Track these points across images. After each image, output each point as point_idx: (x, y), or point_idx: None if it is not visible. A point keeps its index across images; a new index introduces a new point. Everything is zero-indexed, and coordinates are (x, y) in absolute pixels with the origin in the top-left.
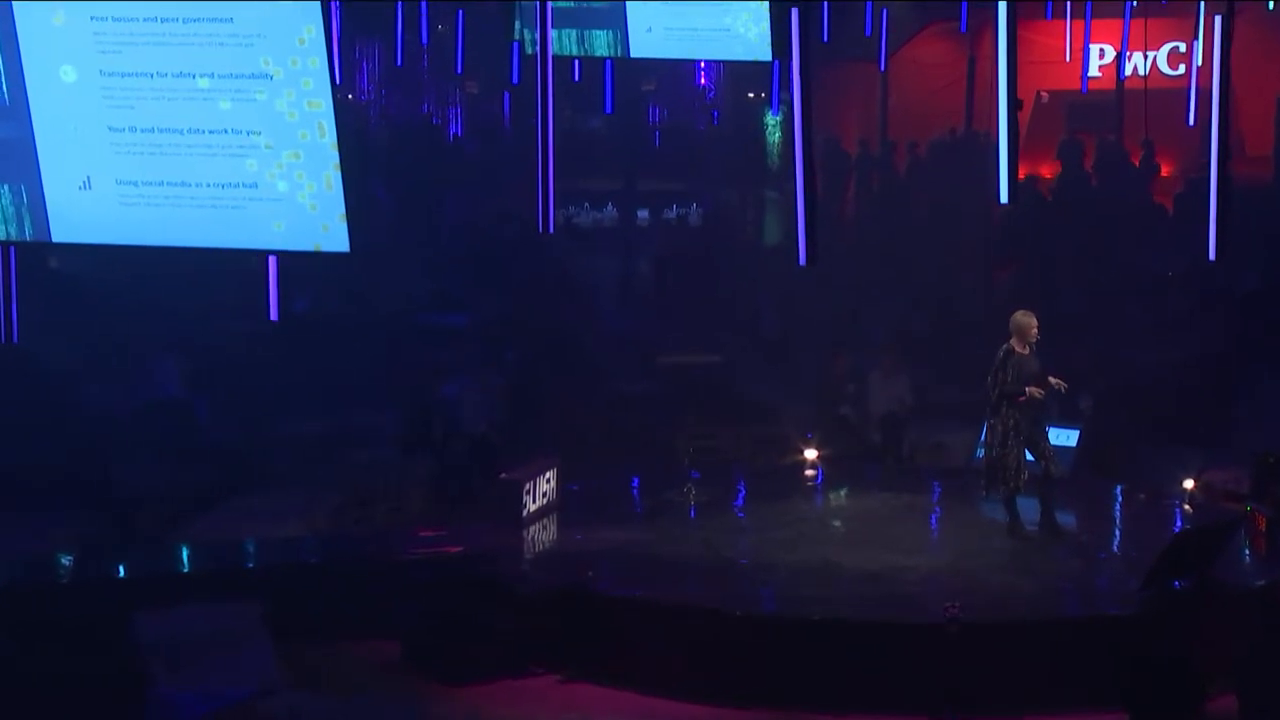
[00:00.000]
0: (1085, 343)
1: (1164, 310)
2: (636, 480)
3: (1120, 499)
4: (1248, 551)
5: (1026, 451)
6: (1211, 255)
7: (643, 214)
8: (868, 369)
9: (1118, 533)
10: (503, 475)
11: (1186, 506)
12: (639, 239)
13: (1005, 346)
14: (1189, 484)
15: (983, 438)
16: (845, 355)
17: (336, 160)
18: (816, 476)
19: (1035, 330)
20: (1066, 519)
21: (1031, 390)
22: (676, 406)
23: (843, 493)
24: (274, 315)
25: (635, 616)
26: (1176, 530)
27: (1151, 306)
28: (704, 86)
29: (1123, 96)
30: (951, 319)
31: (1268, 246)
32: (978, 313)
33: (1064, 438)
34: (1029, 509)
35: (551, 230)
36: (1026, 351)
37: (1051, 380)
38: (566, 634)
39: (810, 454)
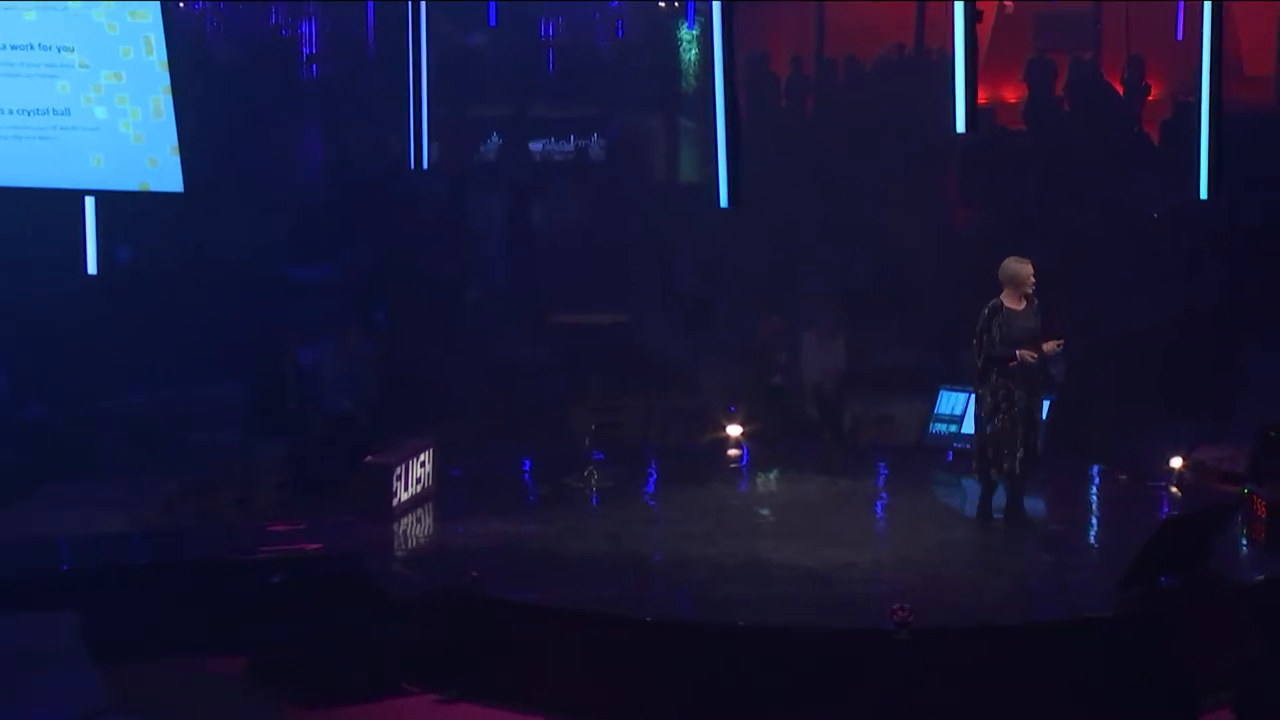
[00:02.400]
0: (1057, 298)
1: (1149, 259)
2: (529, 463)
3: (1098, 481)
4: (1245, 542)
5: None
6: (1203, 193)
7: (535, 146)
8: (802, 330)
9: (1095, 521)
10: (369, 458)
11: (1174, 489)
12: (531, 176)
13: (994, 301)
14: (1178, 463)
15: (951, 409)
16: (775, 314)
17: (167, 82)
18: (741, 457)
19: (1031, 280)
20: (1035, 505)
21: (1023, 354)
22: (576, 375)
23: (773, 476)
24: (92, 268)
25: (528, 624)
26: (1163, 517)
27: (1134, 254)
28: None
29: (1100, 7)
30: (900, 271)
31: (1269, 182)
32: (931, 264)
33: None
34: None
35: (426, 167)
36: (1021, 306)
37: (1046, 346)
38: (447, 645)
39: (734, 430)
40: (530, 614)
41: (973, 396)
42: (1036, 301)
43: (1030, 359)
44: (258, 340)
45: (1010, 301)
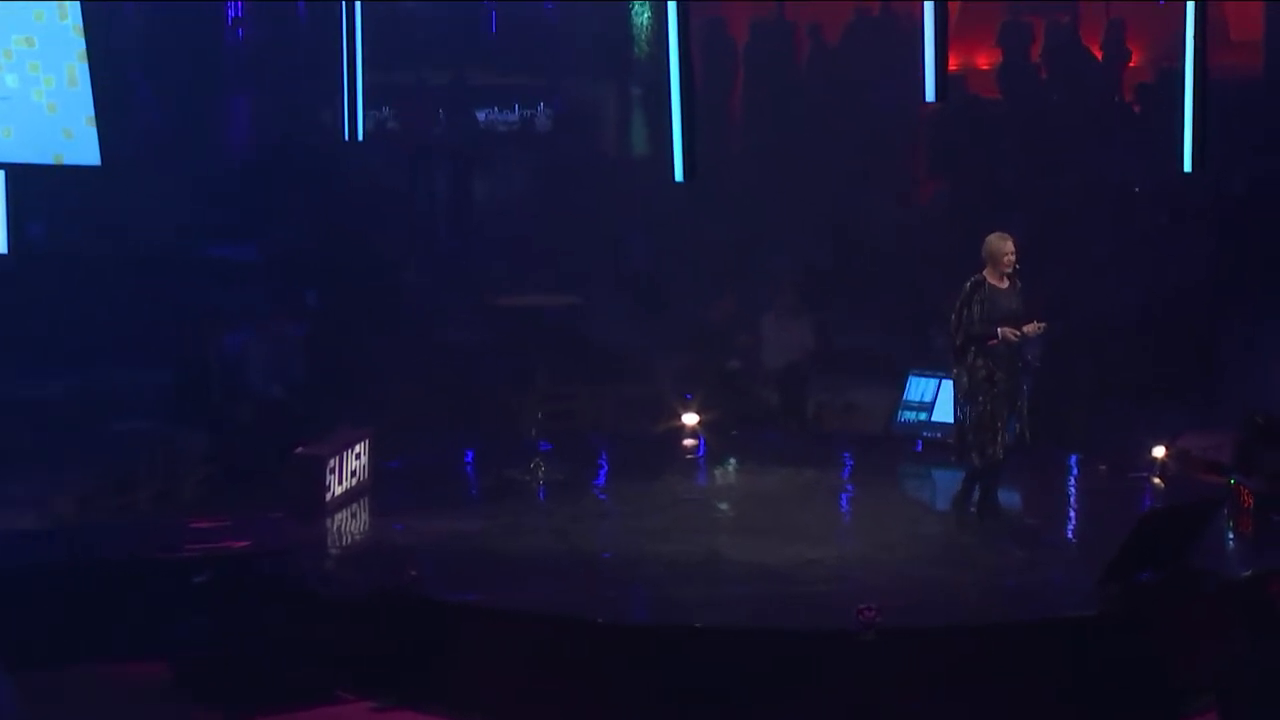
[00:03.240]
0: (1032, 275)
1: (1130, 234)
2: (471, 455)
3: (1075, 471)
4: (1231, 535)
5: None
6: (1187, 165)
7: (479, 116)
8: (762, 312)
9: (1073, 514)
10: (300, 450)
11: (1157, 480)
12: (473, 148)
13: (976, 276)
14: (1160, 452)
15: (920, 395)
16: (733, 295)
17: (82, 48)
18: (698, 448)
19: (1010, 257)
20: (1010, 498)
21: (1004, 332)
22: (522, 361)
23: (731, 468)
24: (2, 247)
25: (471, 627)
26: (1145, 510)
27: (1114, 228)
28: None
29: None
30: (867, 248)
31: (1257, 152)
32: (900, 240)
33: None
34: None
35: (360, 138)
36: (1004, 285)
37: (1027, 328)
38: (384, 650)
39: (690, 419)
40: (473, 616)
41: (945, 382)
42: (1020, 284)
43: (1013, 337)
44: (181, 323)
45: (993, 279)
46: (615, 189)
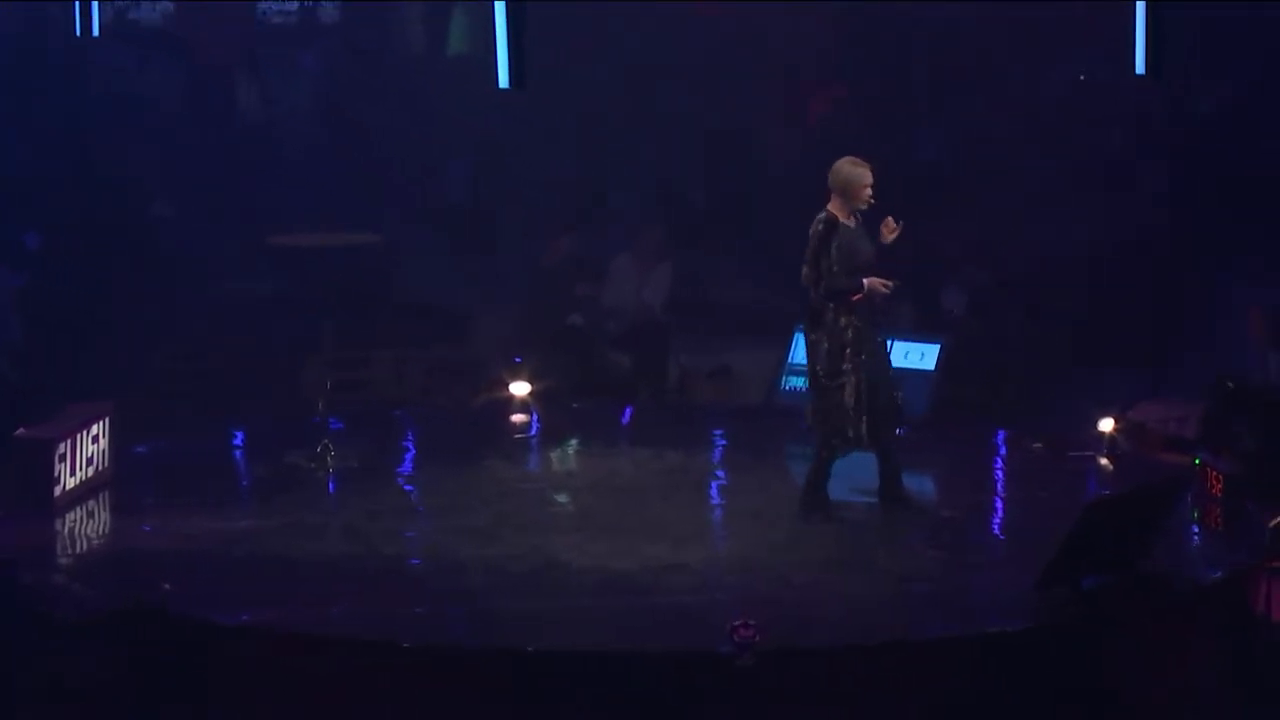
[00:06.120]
0: (953, 211)
1: (1074, 161)
2: (242, 436)
3: (1004, 450)
4: (1196, 529)
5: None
6: (1139, 66)
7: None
8: (611, 254)
9: (1000, 504)
10: (21, 431)
11: (1105, 461)
12: (238, 45)
13: (823, 216)
14: (1108, 426)
15: (793, 358)
16: (575, 233)
17: None
18: (530, 425)
19: (868, 189)
20: (921, 485)
21: (873, 283)
22: (306, 317)
23: (572, 450)
24: None
25: (242, 654)
26: (1090, 498)
27: (1051, 157)
28: None
29: None
30: (744, 176)
31: (1230, 66)
32: (784, 166)
33: (918, 357)
34: (860, 469)
35: (96, 33)
36: (853, 223)
37: (887, 221)
38: (129, 684)
39: (520, 389)
40: (245, 639)
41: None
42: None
43: (884, 289)
44: None
45: (843, 217)
46: (425, 99)
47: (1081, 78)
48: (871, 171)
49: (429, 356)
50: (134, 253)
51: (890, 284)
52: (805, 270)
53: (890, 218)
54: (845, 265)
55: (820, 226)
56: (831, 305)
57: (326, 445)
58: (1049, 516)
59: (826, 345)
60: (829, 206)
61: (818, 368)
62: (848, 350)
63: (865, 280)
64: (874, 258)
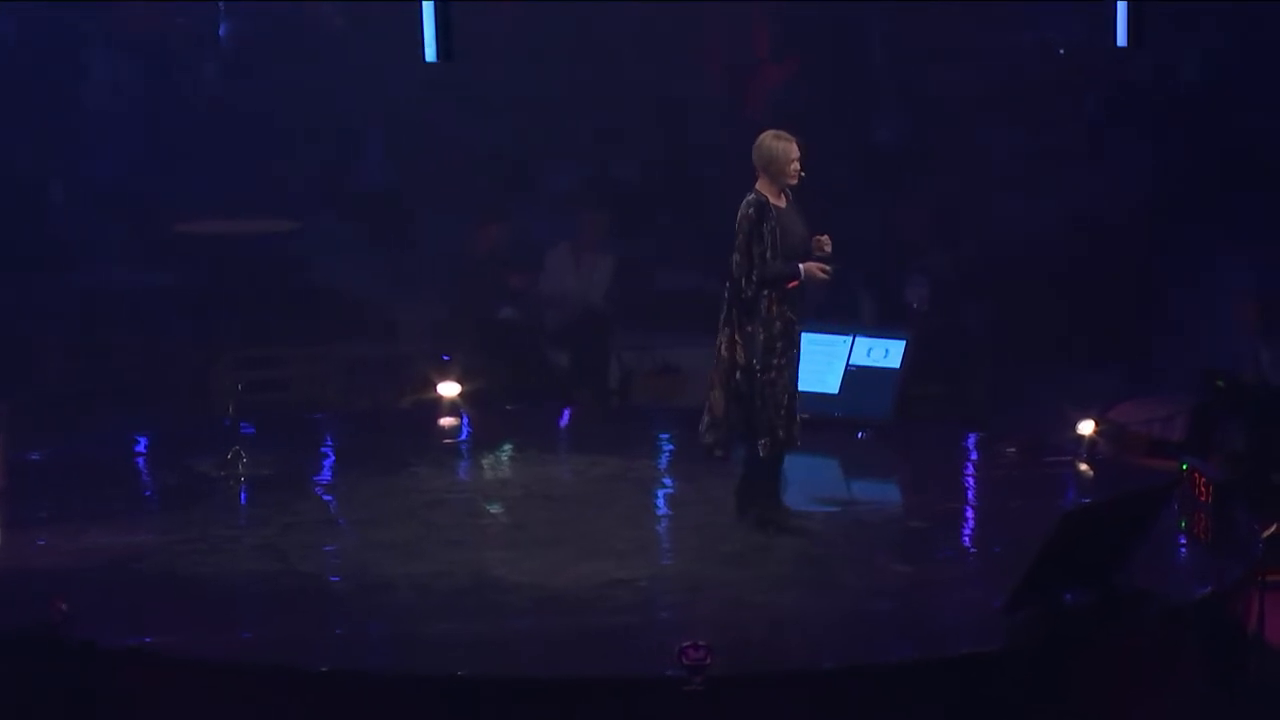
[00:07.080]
0: (912, 187)
1: (1047, 136)
2: (144, 441)
3: (974, 456)
4: (1183, 540)
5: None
6: (1121, 38)
7: None
8: (548, 244)
9: (969, 514)
10: None
11: (1083, 466)
12: (129, 10)
13: (751, 198)
14: (1087, 428)
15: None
16: (507, 221)
17: None
18: (459, 429)
19: (795, 163)
20: (885, 493)
21: (810, 268)
22: (214, 312)
23: (505, 456)
24: None
25: (144, 679)
26: (1066, 507)
27: (1022, 129)
28: None
29: None
30: (687, 156)
31: (1220, 27)
32: (730, 145)
33: (881, 354)
34: (821, 475)
35: None
36: (784, 203)
37: (818, 240)
38: (19, 710)
39: (449, 390)
40: (148, 665)
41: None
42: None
43: (822, 275)
44: None
45: (772, 197)
46: (342, 72)
47: (1061, 51)
48: (799, 146)
49: (349, 355)
50: (19, 241)
51: (829, 269)
52: (736, 259)
53: (819, 237)
54: (781, 250)
55: (750, 210)
56: (766, 294)
57: (237, 452)
58: (1023, 527)
59: (762, 337)
60: (757, 187)
61: (754, 362)
62: (779, 344)
63: (802, 265)
64: (805, 242)
